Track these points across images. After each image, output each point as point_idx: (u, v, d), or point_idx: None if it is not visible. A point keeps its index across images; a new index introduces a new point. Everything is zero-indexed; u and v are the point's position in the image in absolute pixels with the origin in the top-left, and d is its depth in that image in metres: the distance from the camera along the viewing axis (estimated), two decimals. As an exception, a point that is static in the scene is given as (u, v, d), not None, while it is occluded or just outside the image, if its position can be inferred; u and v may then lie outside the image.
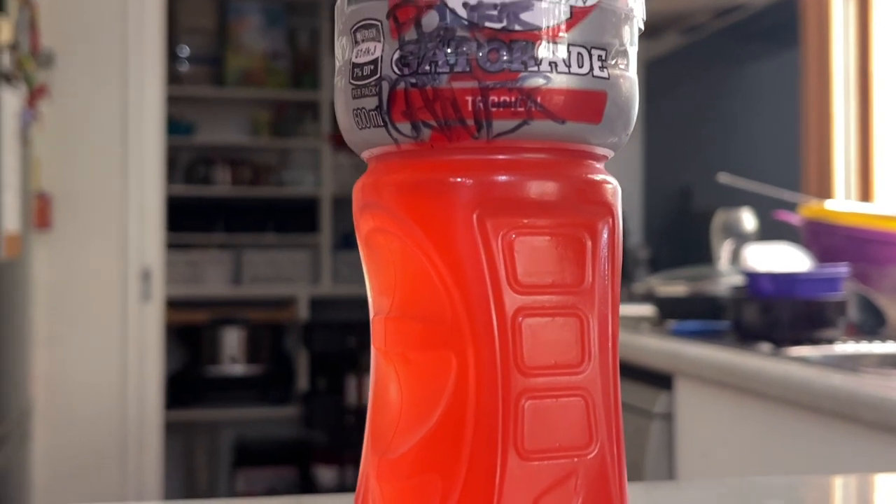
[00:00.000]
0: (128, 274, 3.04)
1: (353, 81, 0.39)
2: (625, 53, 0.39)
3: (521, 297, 0.37)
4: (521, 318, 0.37)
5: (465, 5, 0.36)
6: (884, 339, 1.81)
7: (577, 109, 0.37)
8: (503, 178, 0.37)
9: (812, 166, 2.40)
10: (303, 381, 4.26)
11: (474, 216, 0.37)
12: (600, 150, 0.39)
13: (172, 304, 3.78)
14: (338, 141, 4.33)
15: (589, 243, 0.38)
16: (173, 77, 4.04)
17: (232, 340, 4.14)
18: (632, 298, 2.58)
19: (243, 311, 4.23)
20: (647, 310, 2.26)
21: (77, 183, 3.02)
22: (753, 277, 1.85)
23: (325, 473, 3.94)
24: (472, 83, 0.36)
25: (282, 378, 4.24)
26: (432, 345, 0.37)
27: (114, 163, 3.04)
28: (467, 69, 0.36)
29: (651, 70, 3.30)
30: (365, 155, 0.41)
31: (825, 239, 2.02)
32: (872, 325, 1.89)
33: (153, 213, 3.08)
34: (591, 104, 0.37)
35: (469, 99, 0.36)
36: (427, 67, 0.36)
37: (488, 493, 0.37)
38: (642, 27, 0.40)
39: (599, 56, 0.38)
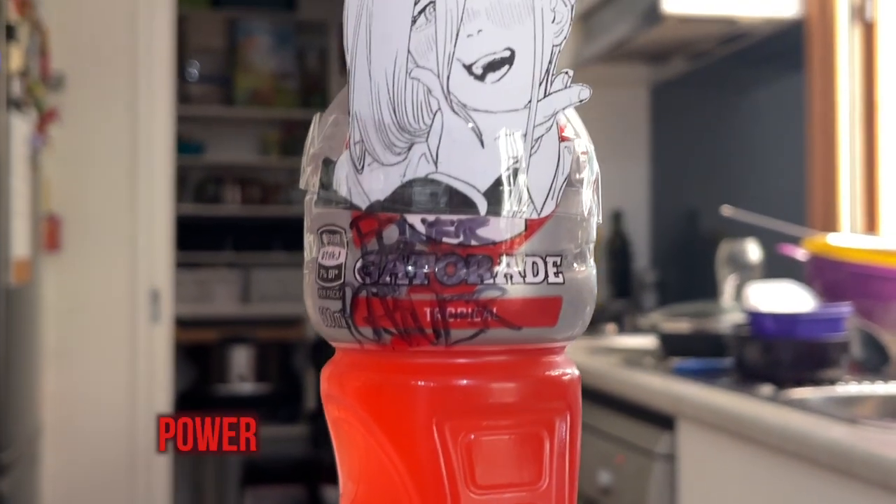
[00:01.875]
0: (137, 295, 3.05)
1: (319, 281, 0.40)
2: (581, 255, 0.40)
3: (479, 498, 0.38)
4: (479, 519, 0.38)
5: (423, 221, 0.37)
6: (887, 378, 1.80)
7: (532, 316, 0.38)
8: (462, 381, 0.38)
9: (817, 196, 2.39)
10: (311, 400, 4.26)
11: (434, 420, 0.38)
12: (558, 345, 0.40)
13: (181, 324, 3.80)
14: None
15: (547, 441, 0.39)
16: (183, 97, 4.06)
17: (240, 359, 4.15)
18: (636, 330, 2.59)
19: (252, 329, 4.24)
20: (650, 342, 2.26)
21: (87, 204, 3.03)
22: (756, 317, 1.85)
23: (334, 493, 3.94)
24: (430, 295, 0.37)
25: (290, 397, 4.25)
26: (393, 542, 0.38)
27: (123, 184, 3.05)
28: (425, 282, 0.37)
29: (658, 94, 3.30)
30: (332, 343, 0.42)
31: (829, 274, 2.02)
32: (876, 363, 1.89)
33: (162, 235, 3.09)
34: (546, 310, 0.38)
35: (427, 310, 0.37)
36: (387, 278, 0.38)
37: None
38: (601, 221, 0.41)
39: (555, 262, 0.38)
